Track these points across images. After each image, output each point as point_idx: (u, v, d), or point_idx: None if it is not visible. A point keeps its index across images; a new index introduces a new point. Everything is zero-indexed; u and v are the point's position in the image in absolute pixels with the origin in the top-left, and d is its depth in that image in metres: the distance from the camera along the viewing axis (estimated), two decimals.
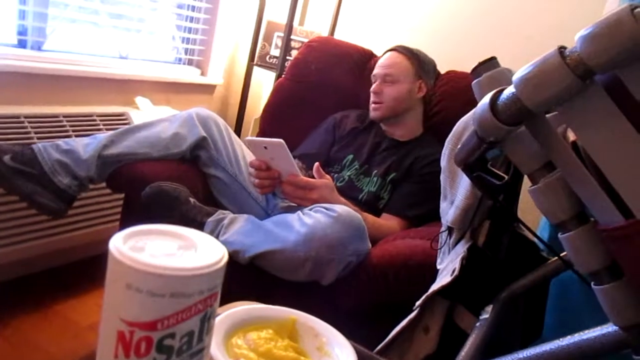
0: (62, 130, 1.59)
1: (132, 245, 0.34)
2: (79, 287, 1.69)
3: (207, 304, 0.34)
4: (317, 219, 1.20)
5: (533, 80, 0.44)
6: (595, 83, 0.44)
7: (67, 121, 1.63)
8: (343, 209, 1.23)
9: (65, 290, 1.68)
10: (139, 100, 1.92)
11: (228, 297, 0.64)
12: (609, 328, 0.56)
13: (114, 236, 0.34)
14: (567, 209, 0.51)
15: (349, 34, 2.33)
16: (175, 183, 1.34)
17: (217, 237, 1.26)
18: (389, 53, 1.73)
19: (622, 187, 0.44)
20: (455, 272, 0.91)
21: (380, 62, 1.72)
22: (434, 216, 1.22)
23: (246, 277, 1.28)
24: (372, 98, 1.69)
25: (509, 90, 0.47)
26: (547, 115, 0.55)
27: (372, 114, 1.70)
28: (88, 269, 1.71)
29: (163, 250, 0.34)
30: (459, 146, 0.68)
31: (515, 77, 0.46)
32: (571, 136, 0.53)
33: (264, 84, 2.56)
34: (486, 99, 0.50)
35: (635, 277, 0.47)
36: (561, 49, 0.43)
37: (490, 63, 0.60)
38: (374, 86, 1.68)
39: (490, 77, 0.58)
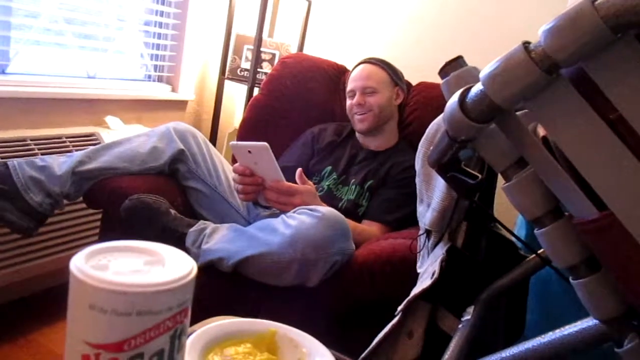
0: (31, 154, 1.55)
1: (95, 263, 0.32)
2: (53, 314, 1.64)
3: (177, 321, 0.33)
4: (301, 220, 1.20)
5: (500, 77, 0.44)
6: (561, 76, 0.44)
7: (35, 144, 1.59)
8: (327, 209, 1.24)
9: (39, 318, 1.63)
10: (109, 119, 1.89)
11: (210, 310, 0.63)
12: (589, 322, 0.56)
13: (76, 255, 0.32)
14: (542, 204, 0.51)
15: (319, 44, 2.34)
16: (155, 195, 1.32)
17: (199, 246, 1.25)
18: (362, 66, 1.74)
19: (594, 179, 0.44)
20: (435, 275, 0.90)
21: (354, 75, 1.73)
22: (413, 220, 1.23)
23: (230, 287, 1.26)
24: (355, 110, 1.69)
25: (477, 87, 0.47)
26: (518, 113, 0.55)
27: (359, 125, 1.70)
28: (62, 295, 1.66)
29: (128, 267, 0.33)
30: (431, 148, 0.68)
31: (482, 74, 0.46)
32: (541, 131, 0.53)
33: (236, 97, 2.55)
34: (455, 98, 0.49)
35: (612, 269, 0.47)
36: (526, 44, 0.43)
37: (457, 62, 0.60)
38: (356, 99, 1.69)
39: (458, 76, 0.58)
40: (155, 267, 0.33)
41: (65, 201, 1.42)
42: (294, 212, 1.27)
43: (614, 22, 0.38)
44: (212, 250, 1.24)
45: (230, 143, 1.41)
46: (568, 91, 0.43)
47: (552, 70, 0.42)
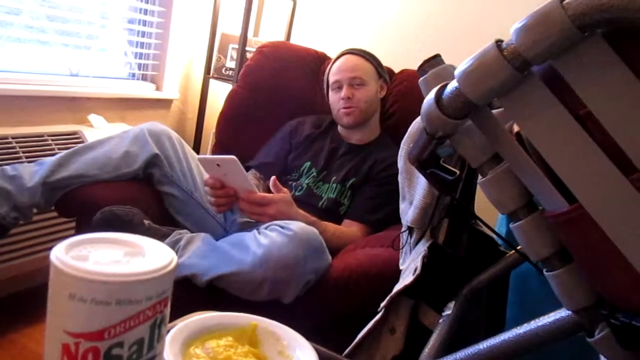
0: (13, 152, 1.54)
1: (75, 254, 0.33)
2: (35, 314, 1.62)
3: (157, 310, 0.33)
4: (272, 238, 1.18)
5: (473, 74, 0.46)
6: (532, 74, 0.45)
7: (17, 142, 1.57)
8: (299, 226, 1.21)
9: (21, 318, 1.61)
10: (92, 118, 1.87)
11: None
12: (562, 313, 0.57)
13: (56, 246, 0.33)
14: (516, 198, 0.53)
15: (304, 43, 2.34)
16: (128, 206, 1.30)
17: None
18: (346, 56, 1.70)
19: (564, 173, 0.45)
20: (417, 271, 0.92)
21: (340, 66, 1.68)
22: (395, 219, 1.24)
23: (207, 297, 1.25)
24: (342, 104, 1.65)
25: (453, 84, 0.48)
26: (495, 111, 0.56)
27: (345, 119, 1.66)
28: (43, 295, 1.65)
29: (108, 258, 0.33)
30: (411, 145, 0.69)
31: (457, 72, 0.47)
32: (515, 127, 0.55)
33: (221, 96, 2.54)
34: (431, 95, 0.51)
35: (581, 260, 0.49)
36: (498, 42, 0.45)
37: (434, 60, 0.61)
38: (344, 91, 1.64)
39: (435, 74, 0.59)
40: (135, 257, 0.34)
41: (35, 210, 1.39)
42: (266, 227, 1.26)
43: (581, 20, 0.39)
44: (186, 265, 1.22)
45: (197, 157, 1.39)
46: (539, 88, 0.45)
47: (523, 68, 0.43)
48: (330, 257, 1.28)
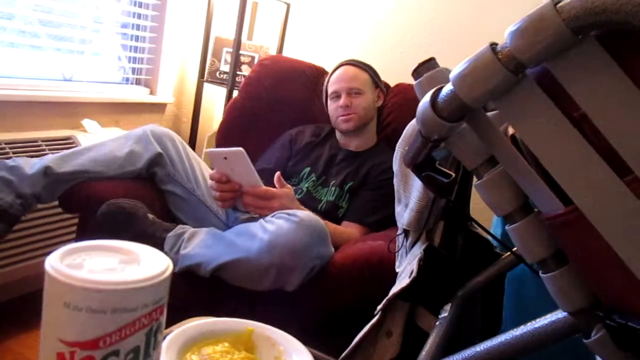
0: (6, 158, 1.53)
1: (70, 262, 0.33)
2: (28, 321, 1.61)
3: (153, 318, 0.33)
4: (279, 225, 1.20)
5: (469, 77, 0.46)
6: (527, 76, 0.45)
7: (10, 148, 1.56)
8: (305, 213, 1.24)
9: (16, 325, 1.60)
10: (86, 122, 1.86)
11: (188, 313, 0.63)
12: (559, 315, 0.57)
13: (50, 255, 0.33)
14: (511, 201, 0.53)
15: (297, 46, 2.35)
16: (133, 200, 1.31)
17: (177, 251, 1.25)
18: (344, 67, 1.75)
19: (559, 175, 0.46)
20: (413, 274, 0.92)
21: (338, 77, 1.73)
22: (392, 221, 1.24)
23: (208, 292, 1.26)
24: (340, 112, 1.70)
25: (448, 87, 0.48)
26: (490, 114, 0.57)
27: (344, 125, 1.70)
28: (38, 302, 1.63)
29: (103, 266, 0.33)
30: (407, 148, 0.69)
31: (452, 75, 0.47)
32: (510, 130, 0.55)
33: (215, 100, 2.54)
34: (427, 98, 0.51)
35: (577, 261, 0.49)
36: (493, 45, 0.45)
37: (429, 64, 0.61)
38: (342, 100, 1.69)
39: (430, 77, 0.59)
40: (130, 265, 0.34)
41: (38, 204, 1.39)
42: (272, 216, 1.27)
43: (574, 23, 0.40)
44: (190, 255, 1.23)
45: (206, 150, 1.40)
46: (533, 90, 0.45)
47: (517, 70, 0.43)
48: (332, 248, 1.29)
